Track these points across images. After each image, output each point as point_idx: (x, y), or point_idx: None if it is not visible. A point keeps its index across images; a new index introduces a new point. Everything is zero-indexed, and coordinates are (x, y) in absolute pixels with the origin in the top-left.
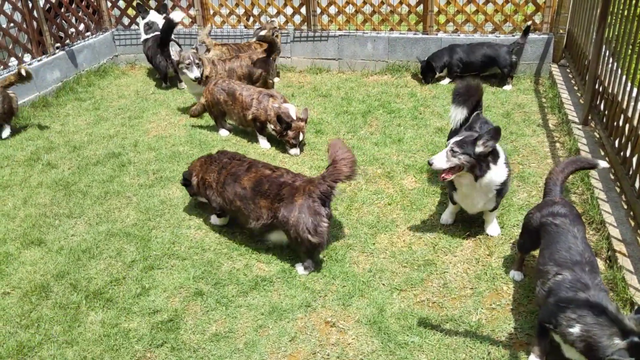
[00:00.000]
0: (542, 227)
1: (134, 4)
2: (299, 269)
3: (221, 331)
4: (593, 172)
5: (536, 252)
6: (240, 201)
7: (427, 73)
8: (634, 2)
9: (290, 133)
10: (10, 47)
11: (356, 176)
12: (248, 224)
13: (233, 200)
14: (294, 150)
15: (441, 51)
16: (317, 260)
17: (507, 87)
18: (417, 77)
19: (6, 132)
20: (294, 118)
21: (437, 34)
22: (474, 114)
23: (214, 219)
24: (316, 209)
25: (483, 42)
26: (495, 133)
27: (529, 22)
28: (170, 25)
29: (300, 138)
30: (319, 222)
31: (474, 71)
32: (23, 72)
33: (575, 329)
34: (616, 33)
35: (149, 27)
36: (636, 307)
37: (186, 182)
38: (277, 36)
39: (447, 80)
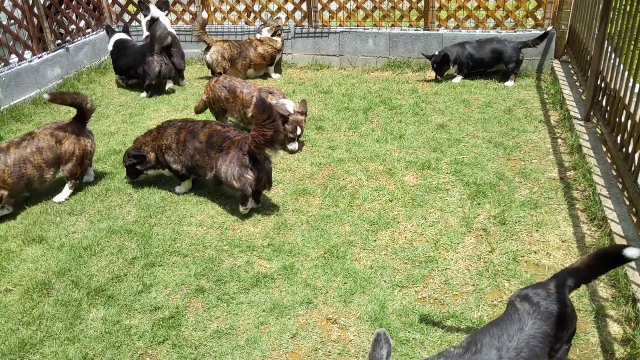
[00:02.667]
0: (508, 305)
1: (135, 0)
2: (241, 208)
3: (222, 328)
4: (595, 168)
5: None
6: (199, 154)
7: (442, 67)
8: None
9: (287, 127)
10: (10, 44)
11: (277, 145)
12: (206, 176)
13: (193, 154)
14: (292, 145)
15: (453, 47)
16: (249, 204)
17: (509, 83)
18: (418, 74)
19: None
20: (291, 112)
21: (438, 30)
22: None
23: (179, 188)
24: (243, 161)
25: (492, 38)
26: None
27: (549, 28)
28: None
29: (299, 132)
30: (244, 172)
31: (482, 67)
32: None
33: None
34: (618, 29)
35: (152, 23)
36: None
37: (136, 159)
38: (279, 34)
39: (459, 78)
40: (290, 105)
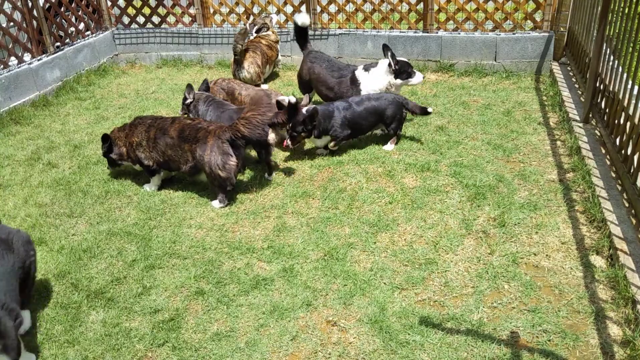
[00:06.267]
0: None
1: (135, 2)
2: (215, 203)
3: (222, 330)
4: (594, 170)
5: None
6: (171, 149)
7: (306, 134)
8: (634, 0)
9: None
10: (10, 47)
11: (258, 135)
12: (181, 169)
13: (165, 150)
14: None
15: (323, 110)
16: (229, 196)
17: (389, 147)
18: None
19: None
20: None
21: (437, 32)
22: None
23: (148, 186)
24: (224, 149)
25: (369, 96)
26: None
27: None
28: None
29: None
30: (227, 160)
31: (361, 133)
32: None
33: None
34: (617, 31)
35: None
36: None
37: (104, 142)
38: (267, 29)
39: (324, 152)
40: (287, 101)
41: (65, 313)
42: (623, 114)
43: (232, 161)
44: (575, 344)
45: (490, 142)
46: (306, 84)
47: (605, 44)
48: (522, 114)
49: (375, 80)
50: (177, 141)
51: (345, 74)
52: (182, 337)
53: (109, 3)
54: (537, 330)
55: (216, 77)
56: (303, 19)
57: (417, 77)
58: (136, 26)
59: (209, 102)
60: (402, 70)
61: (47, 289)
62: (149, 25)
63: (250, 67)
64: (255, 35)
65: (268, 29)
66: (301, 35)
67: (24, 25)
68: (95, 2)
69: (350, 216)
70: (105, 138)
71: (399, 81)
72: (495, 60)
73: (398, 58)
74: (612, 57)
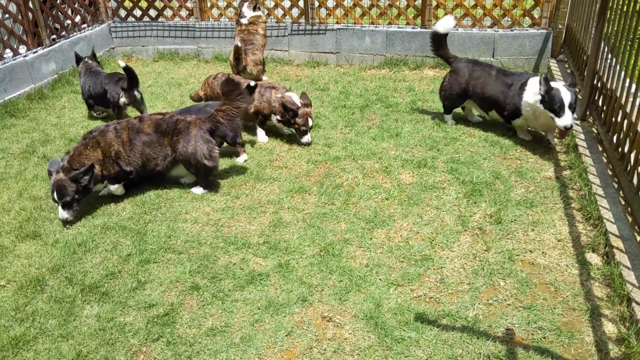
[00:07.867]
0: None
1: None
2: (196, 190)
3: (217, 325)
4: (591, 168)
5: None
6: (149, 147)
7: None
8: None
9: (298, 120)
10: (5, 39)
11: (236, 126)
12: (157, 166)
13: (143, 150)
14: (306, 138)
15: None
16: (211, 183)
17: (241, 159)
18: (415, 72)
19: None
20: (299, 105)
21: None
22: None
23: (111, 189)
24: (208, 138)
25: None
26: None
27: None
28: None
29: (310, 124)
30: (212, 148)
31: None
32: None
33: None
34: (615, 29)
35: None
36: None
37: (87, 174)
38: (259, 8)
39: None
40: (296, 99)
41: (59, 307)
42: (620, 111)
43: (216, 150)
44: (570, 342)
45: (487, 139)
46: (462, 92)
47: (603, 42)
48: None
49: (531, 94)
50: (155, 137)
51: (518, 79)
52: (177, 332)
53: None
54: (532, 328)
55: (214, 72)
56: (448, 23)
57: (564, 120)
58: (133, 19)
59: (88, 73)
60: (547, 99)
61: (41, 283)
62: (146, 18)
63: (253, 69)
64: (252, 15)
65: (259, 8)
66: (443, 43)
67: (20, 17)
68: None
69: (346, 212)
70: (91, 167)
71: (541, 107)
72: (493, 56)
73: (554, 86)
74: (609, 55)
